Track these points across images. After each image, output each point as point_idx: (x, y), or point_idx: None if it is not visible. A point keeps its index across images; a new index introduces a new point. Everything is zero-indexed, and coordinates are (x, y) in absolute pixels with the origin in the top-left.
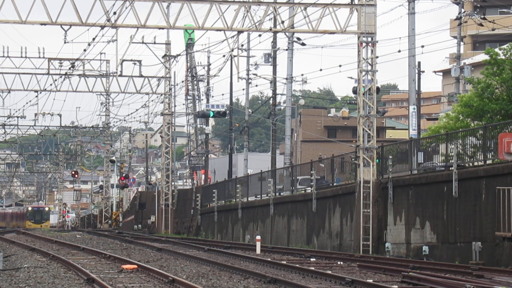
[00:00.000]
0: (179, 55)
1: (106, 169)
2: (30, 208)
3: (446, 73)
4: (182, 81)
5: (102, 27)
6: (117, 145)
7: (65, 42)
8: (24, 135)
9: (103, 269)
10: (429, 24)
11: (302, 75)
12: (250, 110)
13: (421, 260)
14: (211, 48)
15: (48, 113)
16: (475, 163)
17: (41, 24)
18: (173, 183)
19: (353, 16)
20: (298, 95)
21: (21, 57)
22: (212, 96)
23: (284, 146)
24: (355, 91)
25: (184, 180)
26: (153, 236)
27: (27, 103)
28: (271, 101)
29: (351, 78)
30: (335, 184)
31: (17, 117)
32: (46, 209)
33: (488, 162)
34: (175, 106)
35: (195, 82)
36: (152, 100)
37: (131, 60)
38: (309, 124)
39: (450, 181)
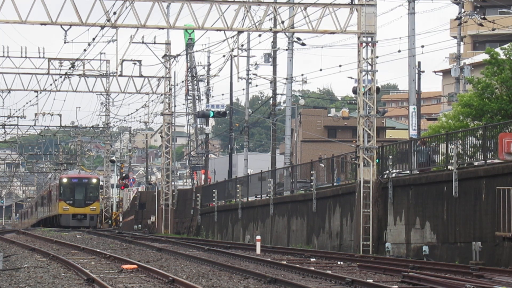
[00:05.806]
0: (179, 55)
1: (106, 169)
2: (65, 180)
3: (446, 73)
4: (182, 81)
5: (102, 27)
6: (117, 145)
7: (65, 42)
8: (24, 135)
9: (103, 269)
10: (429, 24)
11: (302, 75)
12: (250, 110)
13: (421, 260)
14: (211, 48)
15: (48, 113)
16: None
17: (41, 24)
18: (173, 183)
19: (353, 16)
20: (298, 95)
21: (21, 57)
22: (212, 96)
23: (284, 146)
24: (355, 91)
25: (184, 180)
26: (153, 236)
27: (27, 103)
28: (271, 101)
29: (351, 78)
30: (335, 184)
31: (17, 117)
32: (94, 180)
33: (488, 162)
34: (175, 106)
35: (195, 82)
36: (152, 100)
37: (131, 60)
38: (309, 124)
39: (450, 181)
